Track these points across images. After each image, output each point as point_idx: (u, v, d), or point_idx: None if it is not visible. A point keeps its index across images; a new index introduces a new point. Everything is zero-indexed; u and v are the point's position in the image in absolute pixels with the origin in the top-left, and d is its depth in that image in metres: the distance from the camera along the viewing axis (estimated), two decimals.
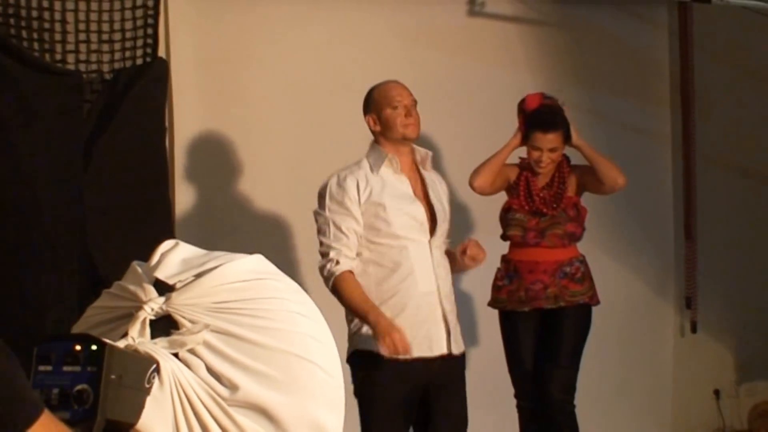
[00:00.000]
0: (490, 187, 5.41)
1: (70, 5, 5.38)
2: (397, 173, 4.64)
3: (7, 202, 5.07)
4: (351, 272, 4.50)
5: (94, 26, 5.44)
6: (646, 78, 6.92)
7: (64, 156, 5.22)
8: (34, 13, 5.32)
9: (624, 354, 6.67)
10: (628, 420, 6.62)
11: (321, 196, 4.60)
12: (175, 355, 1.55)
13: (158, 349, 1.54)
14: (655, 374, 6.83)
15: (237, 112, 5.89)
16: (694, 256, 6.82)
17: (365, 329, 4.52)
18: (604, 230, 6.27)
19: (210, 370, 1.56)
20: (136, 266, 1.66)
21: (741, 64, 6.77)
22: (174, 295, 1.59)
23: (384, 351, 4.40)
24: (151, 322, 1.58)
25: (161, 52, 5.60)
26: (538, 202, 5.37)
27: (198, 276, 1.60)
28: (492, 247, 5.25)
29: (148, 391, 1.51)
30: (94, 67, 5.46)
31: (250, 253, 1.67)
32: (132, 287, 1.61)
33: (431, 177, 4.78)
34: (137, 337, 1.56)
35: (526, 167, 5.42)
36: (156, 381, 1.52)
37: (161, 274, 1.62)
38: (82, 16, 5.41)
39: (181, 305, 1.58)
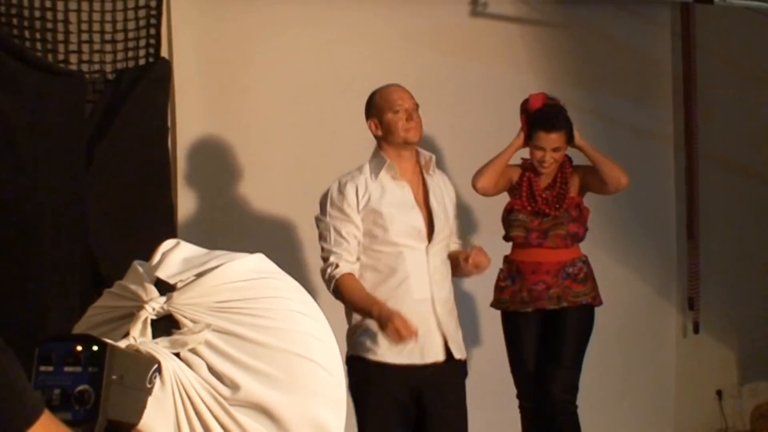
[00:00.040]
0: (493, 188, 5.41)
1: (72, 5, 5.38)
2: (397, 179, 4.63)
3: (9, 202, 5.07)
4: (351, 274, 4.52)
5: (96, 26, 5.44)
6: (649, 78, 6.92)
7: (66, 156, 5.22)
8: (37, 13, 5.32)
9: (626, 354, 6.67)
10: (630, 420, 6.62)
11: (322, 203, 4.63)
12: (177, 354, 1.55)
13: (160, 348, 1.54)
14: (657, 375, 6.83)
15: (240, 112, 5.89)
16: (697, 256, 6.82)
17: (357, 334, 4.56)
18: (606, 231, 6.27)
19: (211, 370, 1.56)
20: (138, 266, 1.66)
21: (743, 65, 6.77)
22: (175, 294, 1.58)
23: (390, 340, 4.40)
24: (153, 321, 1.58)
25: (164, 53, 5.60)
26: (540, 203, 5.37)
27: (199, 275, 1.60)
28: (494, 247, 5.25)
29: (149, 391, 1.51)
30: (96, 67, 5.46)
31: (253, 252, 1.67)
32: (133, 287, 1.61)
33: (435, 181, 4.76)
34: (138, 337, 1.56)
35: (528, 168, 5.43)
36: (157, 381, 1.52)
37: (162, 273, 1.61)
38: (84, 16, 5.41)
39: (182, 305, 1.58)
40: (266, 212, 5.91)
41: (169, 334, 1.57)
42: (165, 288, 1.60)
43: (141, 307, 1.58)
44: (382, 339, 4.49)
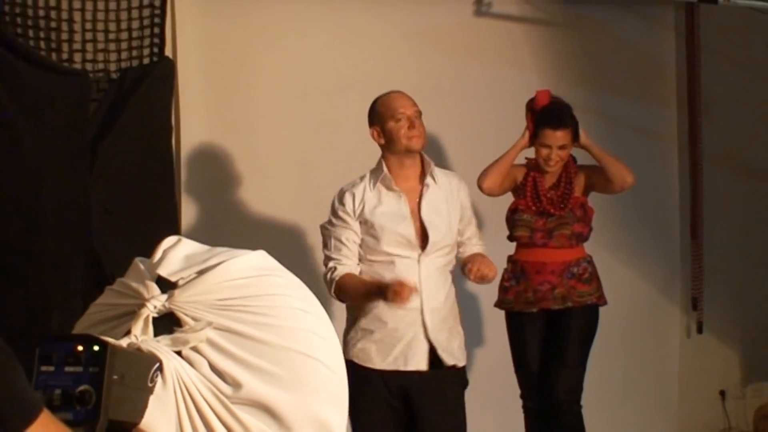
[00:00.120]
0: (498, 188, 5.40)
1: (76, 4, 5.39)
2: (393, 189, 4.62)
3: (13, 201, 5.08)
4: (350, 273, 4.55)
5: (100, 25, 5.45)
6: (653, 78, 6.91)
7: (70, 154, 5.23)
8: (41, 13, 5.33)
9: (630, 354, 6.66)
10: (633, 420, 6.61)
11: (330, 212, 4.67)
12: (178, 353, 1.55)
13: (161, 347, 1.54)
14: (660, 375, 6.82)
15: (243, 110, 5.89)
16: (700, 256, 6.81)
17: (349, 338, 4.60)
18: (610, 231, 6.26)
19: (213, 368, 1.56)
20: (139, 263, 1.65)
21: (747, 65, 6.76)
22: (177, 292, 1.58)
23: (396, 305, 4.42)
24: (154, 319, 1.57)
25: (168, 52, 5.61)
26: (545, 203, 5.35)
27: (201, 273, 1.60)
28: (498, 248, 5.25)
29: (151, 390, 1.51)
30: (100, 66, 5.47)
31: (255, 249, 1.67)
32: (134, 284, 1.61)
33: (440, 187, 4.71)
34: (140, 335, 1.55)
35: (533, 168, 5.41)
36: (159, 380, 1.51)
37: (164, 271, 1.61)
38: (88, 15, 5.42)
39: (183, 302, 1.58)
40: (269, 210, 5.91)
41: (170, 331, 1.57)
42: (166, 285, 1.59)
43: (142, 305, 1.57)
44: (370, 344, 4.55)
